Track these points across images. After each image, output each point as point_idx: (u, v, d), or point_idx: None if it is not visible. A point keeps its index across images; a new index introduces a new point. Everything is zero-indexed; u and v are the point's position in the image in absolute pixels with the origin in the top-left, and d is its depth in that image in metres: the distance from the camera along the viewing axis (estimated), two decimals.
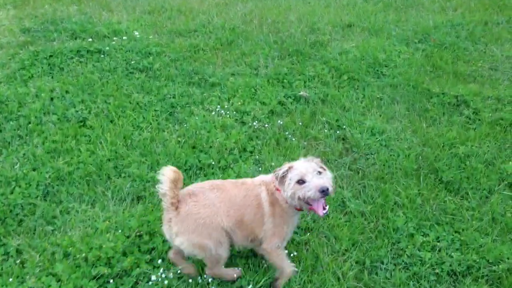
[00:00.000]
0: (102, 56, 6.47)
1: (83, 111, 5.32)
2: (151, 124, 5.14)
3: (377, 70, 6.05)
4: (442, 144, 4.66)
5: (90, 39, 6.88)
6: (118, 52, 6.54)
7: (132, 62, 6.33)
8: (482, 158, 4.46)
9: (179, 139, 4.89)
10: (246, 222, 3.13)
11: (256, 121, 5.12)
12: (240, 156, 4.64)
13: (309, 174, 2.94)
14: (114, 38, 6.90)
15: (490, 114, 5.01)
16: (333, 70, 6.04)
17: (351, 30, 7.27)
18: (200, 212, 3.01)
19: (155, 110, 5.38)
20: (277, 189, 3.12)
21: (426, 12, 7.75)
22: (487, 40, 6.65)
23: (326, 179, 2.95)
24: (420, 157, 4.53)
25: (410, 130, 4.95)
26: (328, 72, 5.99)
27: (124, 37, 6.95)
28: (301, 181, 2.94)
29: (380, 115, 5.25)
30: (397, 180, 4.23)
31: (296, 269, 3.29)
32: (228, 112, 5.26)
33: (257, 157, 4.63)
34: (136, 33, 7.02)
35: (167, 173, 2.92)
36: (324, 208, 2.96)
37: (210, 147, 4.73)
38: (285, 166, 3.06)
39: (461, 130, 4.87)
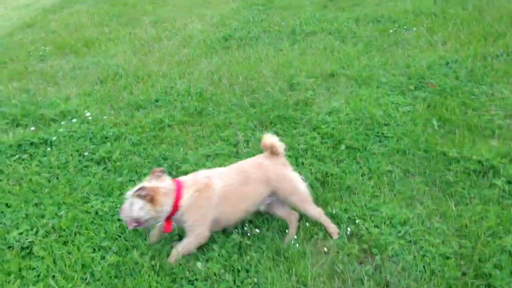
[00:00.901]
0: (49, 148, 5.36)
1: (28, 232, 4.22)
2: (116, 240, 4.08)
3: (378, 132, 5.12)
4: (483, 233, 3.73)
5: (33, 128, 5.76)
6: (68, 141, 5.45)
7: (86, 153, 5.24)
8: None
9: (152, 262, 3.84)
10: None
11: (246, 224, 4.11)
12: (234, 281, 3.62)
13: None
14: (62, 123, 5.80)
15: None
16: (326, 138, 5.09)
17: (335, 80, 6.37)
18: None
19: (120, 220, 4.32)
20: None
21: (413, 49, 6.92)
22: (491, 79, 5.83)
23: None
24: (460, 259, 3.58)
25: (437, 215, 4.03)
26: (321, 142, 5.03)
27: (74, 119, 5.86)
28: None
29: (395, 195, 4.31)
30: None
31: None
32: None
33: (255, 279, 3.62)
34: (88, 113, 5.93)
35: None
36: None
37: (193, 271, 3.71)
38: None
39: (499, 209, 3.96)
